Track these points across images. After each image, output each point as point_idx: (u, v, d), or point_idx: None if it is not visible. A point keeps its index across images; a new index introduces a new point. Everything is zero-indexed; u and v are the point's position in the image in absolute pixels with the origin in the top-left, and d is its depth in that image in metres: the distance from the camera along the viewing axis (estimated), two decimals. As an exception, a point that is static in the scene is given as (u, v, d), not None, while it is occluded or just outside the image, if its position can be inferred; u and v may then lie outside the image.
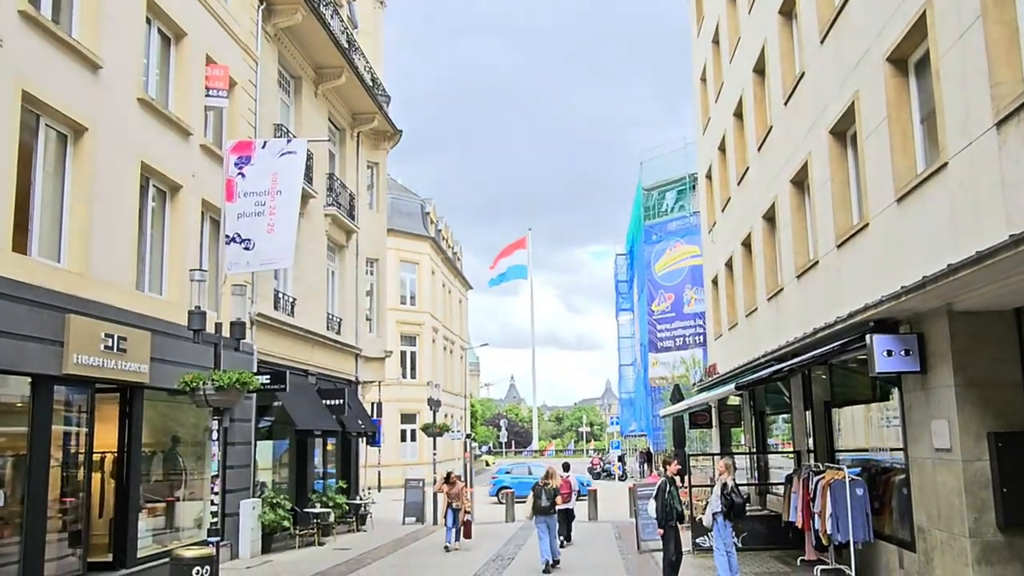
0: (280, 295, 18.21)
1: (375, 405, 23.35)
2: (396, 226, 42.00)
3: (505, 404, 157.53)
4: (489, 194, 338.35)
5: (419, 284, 42.97)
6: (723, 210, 20.55)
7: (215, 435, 9.55)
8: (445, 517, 16.80)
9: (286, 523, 15.41)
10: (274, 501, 15.55)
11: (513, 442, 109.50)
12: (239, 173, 10.11)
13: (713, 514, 10.74)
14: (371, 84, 22.85)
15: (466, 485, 22.16)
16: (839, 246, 11.41)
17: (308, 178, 19.51)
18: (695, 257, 38.36)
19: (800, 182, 13.83)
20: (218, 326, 9.81)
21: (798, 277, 13.50)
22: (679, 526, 11.21)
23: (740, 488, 11.13)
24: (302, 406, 17.05)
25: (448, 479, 16.79)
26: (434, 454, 22.95)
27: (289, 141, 10.12)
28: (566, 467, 19.12)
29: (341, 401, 18.79)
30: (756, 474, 17.00)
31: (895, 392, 10.01)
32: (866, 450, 11.11)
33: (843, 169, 11.78)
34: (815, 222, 12.72)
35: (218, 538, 9.17)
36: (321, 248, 20.66)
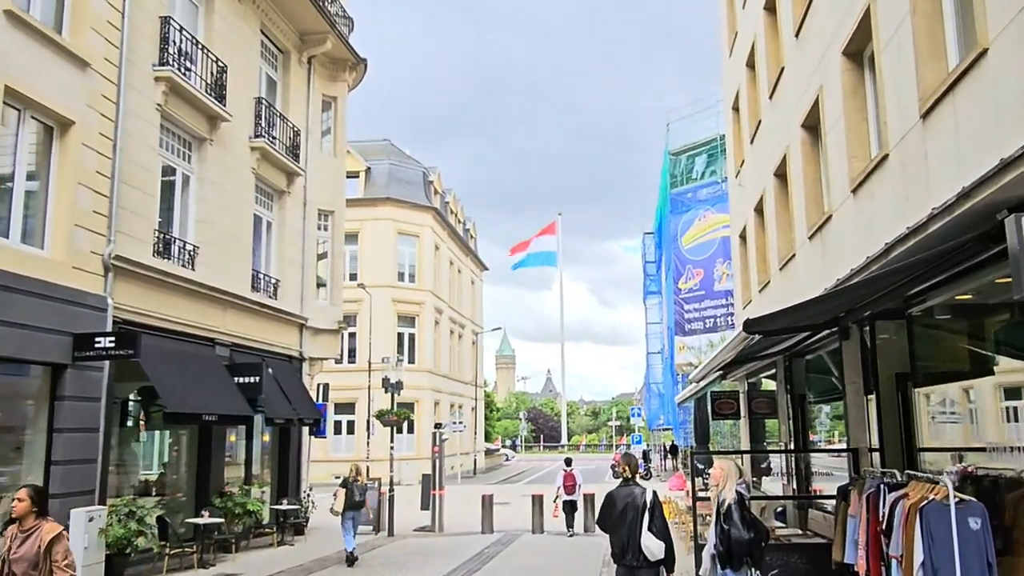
0: (171, 239, 14.21)
1: (321, 387, 19.21)
2: (394, 194, 38.17)
3: (541, 398, 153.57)
4: (516, 185, 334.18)
5: (419, 259, 38.85)
6: (752, 140, 15.99)
7: None
8: None
9: (142, 541, 11.35)
10: (128, 510, 11.53)
11: (542, 436, 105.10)
12: None
13: (710, 556, 6.33)
14: (319, -5, 18.74)
15: (438, 487, 18.02)
16: (926, 114, 6.89)
17: (221, 96, 15.51)
18: (728, 227, 33.58)
19: (857, 52, 9.31)
20: None
21: (854, 191, 8.99)
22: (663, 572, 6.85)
23: (753, 507, 6.70)
24: (185, 382, 13.02)
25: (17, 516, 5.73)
26: (391, 448, 18.80)
27: None
28: (568, 462, 18.53)
29: (257, 379, 14.72)
30: (795, 481, 12.45)
31: None
32: (982, 449, 6.56)
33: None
34: (882, 99, 8.20)
35: None
36: (244, 189, 16.63)
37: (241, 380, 14.78)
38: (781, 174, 13.33)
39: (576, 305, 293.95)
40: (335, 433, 36.41)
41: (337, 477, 31.23)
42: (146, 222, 13.37)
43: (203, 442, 14.78)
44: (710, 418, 21.29)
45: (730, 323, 31.16)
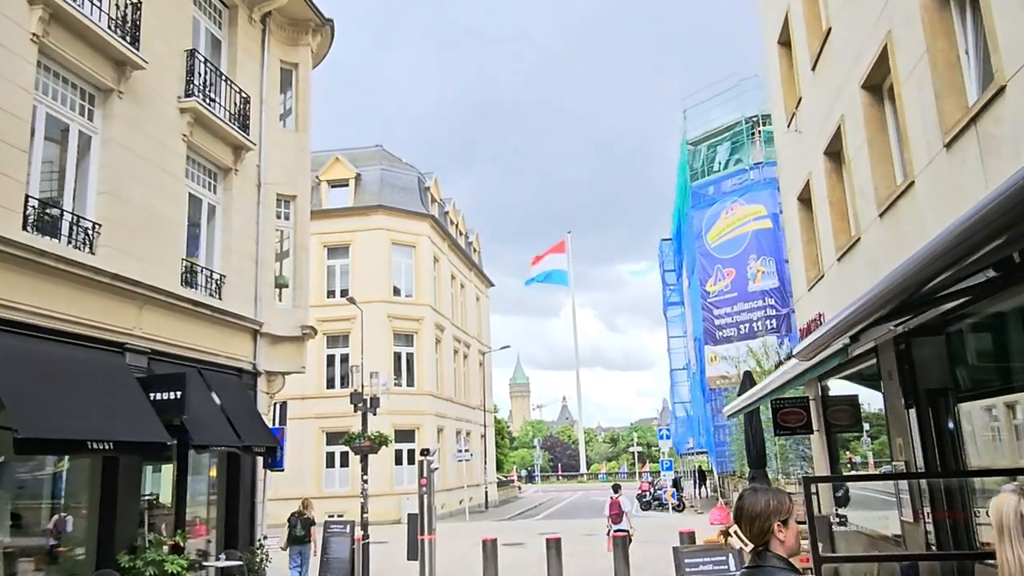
0: (58, 212, 10.72)
1: (278, 407, 15.53)
2: (386, 202, 34.86)
3: (557, 426, 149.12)
4: (525, 212, 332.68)
5: (416, 271, 35.31)
6: (815, 66, 12.37)
7: None
8: None
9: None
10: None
11: (559, 465, 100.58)
12: None
13: None
14: (265, -71, 15.49)
15: (427, 531, 14.24)
16: None
17: (133, 37, 12.15)
18: (760, 219, 29.84)
19: None
20: None
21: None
22: None
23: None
24: (62, 398, 9.42)
25: None
26: (364, 481, 15.06)
27: None
28: (616, 488, 18.42)
29: (178, 394, 11.12)
30: (931, 527, 8.58)
31: None
32: None
33: None
34: None
35: None
36: (171, 159, 13.17)
37: (158, 396, 11.18)
38: (874, 84, 9.72)
39: (586, 332, 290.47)
40: (327, 466, 32.69)
41: (331, 516, 27.44)
42: (13, 184, 9.88)
43: (107, 480, 11.13)
44: (767, 432, 17.53)
45: (772, 327, 27.35)
